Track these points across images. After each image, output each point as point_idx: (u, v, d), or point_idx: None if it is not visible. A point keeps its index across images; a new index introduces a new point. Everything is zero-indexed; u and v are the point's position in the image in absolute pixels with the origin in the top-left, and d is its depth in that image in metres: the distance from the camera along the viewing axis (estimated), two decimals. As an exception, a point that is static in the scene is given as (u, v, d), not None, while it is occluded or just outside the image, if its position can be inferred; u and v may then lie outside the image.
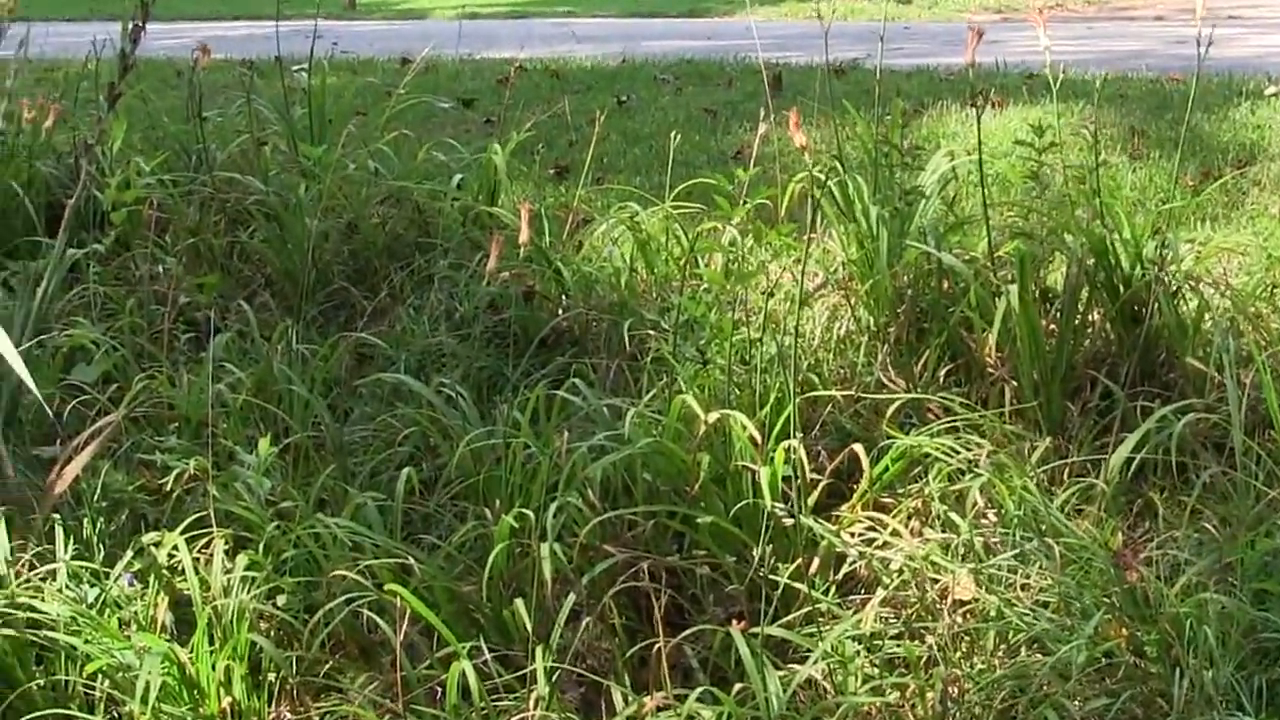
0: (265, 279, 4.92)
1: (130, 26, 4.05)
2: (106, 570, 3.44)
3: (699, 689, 2.88)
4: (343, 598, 3.21)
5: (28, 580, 3.38)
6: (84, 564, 3.44)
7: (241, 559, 3.34)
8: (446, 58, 8.45)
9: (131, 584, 3.39)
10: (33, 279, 4.22)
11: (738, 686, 2.92)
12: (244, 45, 7.98)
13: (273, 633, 3.32)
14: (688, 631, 3.14)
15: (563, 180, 5.71)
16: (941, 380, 4.08)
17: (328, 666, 3.30)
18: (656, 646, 2.94)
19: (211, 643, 3.18)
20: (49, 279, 4.03)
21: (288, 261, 4.82)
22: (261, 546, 3.36)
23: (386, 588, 3.12)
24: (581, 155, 5.95)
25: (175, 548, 3.40)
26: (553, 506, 3.29)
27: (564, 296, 4.52)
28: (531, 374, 4.27)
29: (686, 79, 7.72)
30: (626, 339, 4.16)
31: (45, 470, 3.94)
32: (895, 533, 3.39)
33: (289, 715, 3.28)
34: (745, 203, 4.09)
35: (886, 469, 3.56)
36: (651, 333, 4.18)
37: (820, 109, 6.53)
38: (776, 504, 3.34)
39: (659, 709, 2.87)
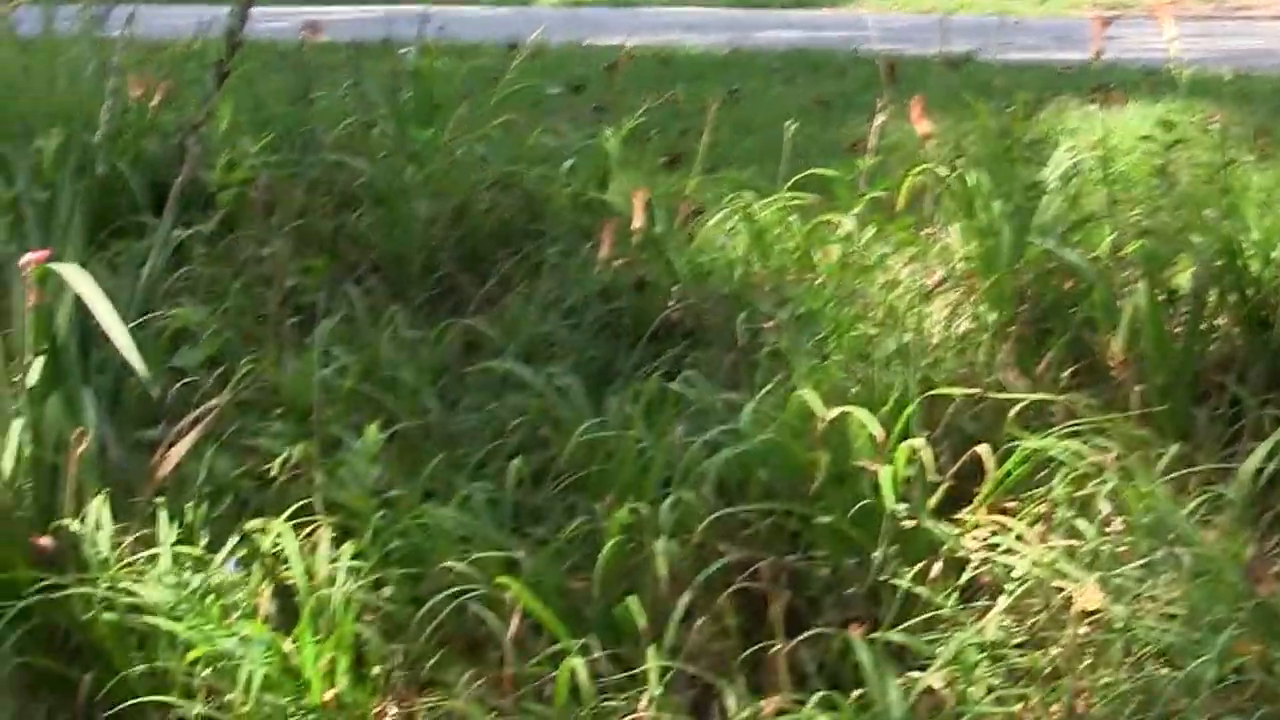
0: (372, 263, 4.85)
1: (238, 6, 4.01)
2: (209, 556, 3.39)
3: (816, 694, 2.79)
4: (450, 590, 3.13)
5: (130, 564, 3.35)
6: (187, 549, 3.39)
7: (347, 548, 3.29)
8: (553, 44, 8.37)
9: (235, 570, 3.34)
10: (139, 259, 4.18)
11: (855, 693, 2.83)
12: (351, 28, 7.92)
13: (378, 624, 3.26)
14: (806, 634, 3.05)
15: (674, 169, 5.62)
16: (1063, 382, 3.97)
17: (432, 661, 3.24)
18: (775, 649, 2.85)
19: (315, 633, 3.13)
20: (154, 259, 3.99)
21: (395, 246, 4.76)
22: (369, 536, 3.30)
23: (498, 581, 3.04)
24: (693, 144, 5.88)
25: (279, 535, 3.36)
26: (667, 502, 3.21)
27: (675, 287, 4.43)
28: (642, 365, 4.18)
29: (798, 69, 7.62)
30: (740, 332, 4.07)
31: (148, 453, 3.92)
32: (1020, 538, 3.28)
33: (393, 709, 3.23)
34: (864, 195, 4.00)
35: (1009, 473, 3.46)
36: (766, 326, 4.09)
37: (937, 102, 6.44)
38: (898, 506, 3.25)
39: (777, 714, 2.79)
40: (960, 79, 7.29)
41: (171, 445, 3.62)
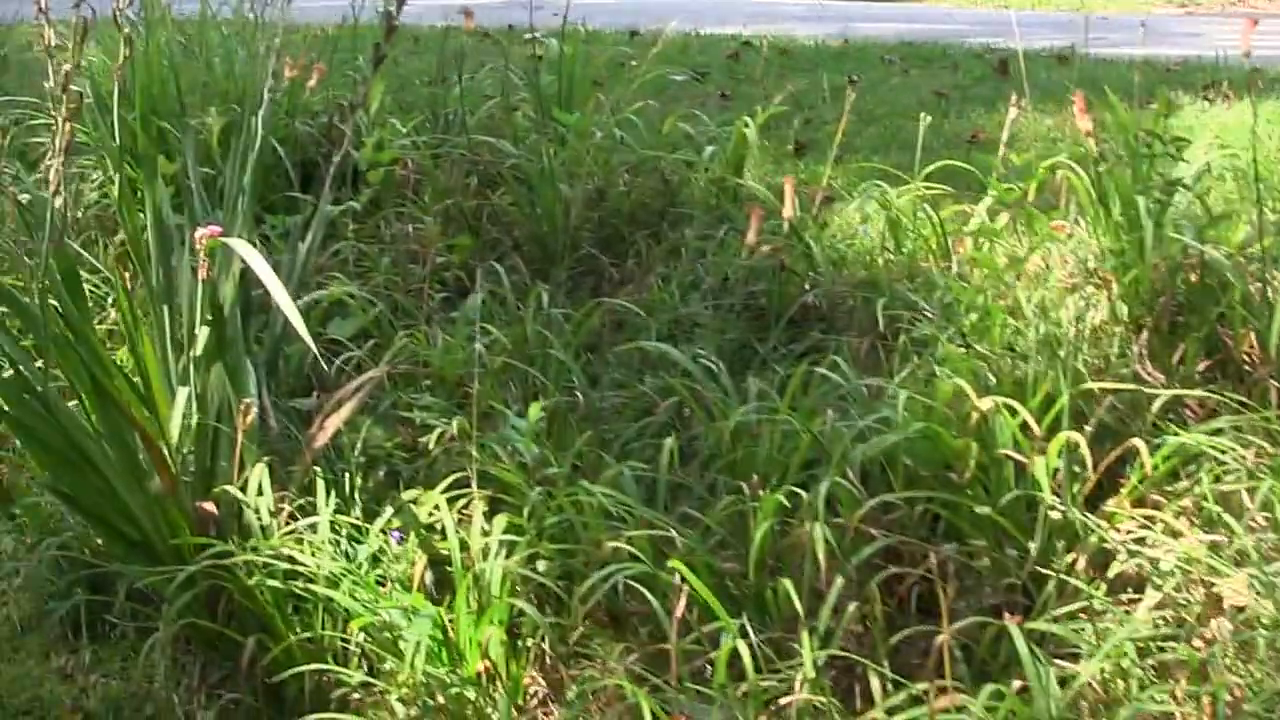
0: (514, 242, 4.76)
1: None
2: (365, 525, 3.30)
3: (989, 686, 2.65)
4: (611, 568, 3.02)
5: (289, 531, 3.26)
6: (344, 518, 3.30)
7: (500, 521, 3.19)
8: (671, 32, 8.24)
9: (400, 541, 3.24)
10: (295, 234, 4.08)
11: (1016, 684, 2.69)
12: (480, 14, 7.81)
13: (531, 598, 3.16)
14: (962, 623, 2.91)
15: (801, 156, 5.49)
16: (1198, 377, 3.81)
17: (580, 634, 3.13)
18: (940, 638, 2.72)
19: (470, 605, 3.03)
20: (312, 236, 3.90)
21: (537, 226, 4.66)
22: (526, 512, 3.19)
23: (671, 564, 2.92)
24: (818, 133, 5.75)
25: (435, 507, 3.27)
26: (823, 487, 3.08)
27: (812, 272, 4.30)
28: (779, 349, 4.06)
29: (911, 61, 7.46)
30: (881, 318, 3.93)
31: (303, 422, 3.84)
32: (1171, 532, 3.14)
33: (544, 681, 3.13)
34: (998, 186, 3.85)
35: (1156, 466, 3.31)
36: (905, 313, 3.95)
37: (1052, 96, 6.29)
38: (1049, 497, 3.12)
39: (938, 699, 2.65)
40: (1070, 74, 7.10)
41: (328, 416, 3.52)
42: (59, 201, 3.16)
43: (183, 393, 3.40)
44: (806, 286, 4.26)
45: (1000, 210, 4.41)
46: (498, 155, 5.02)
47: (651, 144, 5.05)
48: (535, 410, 3.37)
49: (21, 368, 3.37)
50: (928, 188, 4.49)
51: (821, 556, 2.95)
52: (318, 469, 3.43)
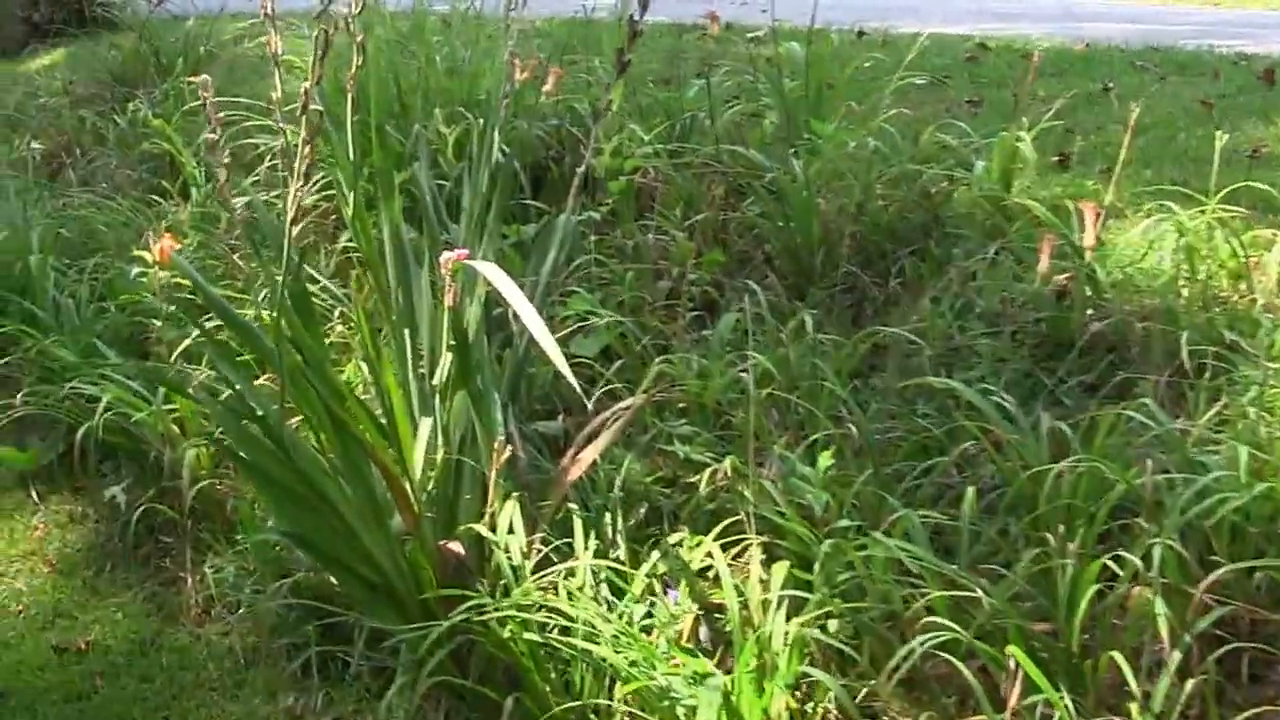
0: (765, 256, 4.46)
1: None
2: (629, 570, 3.04)
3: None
4: (922, 639, 2.71)
5: (541, 570, 3.01)
6: (603, 562, 3.04)
7: (778, 571, 2.91)
8: (897, 31, 7.88)
9: (676, 601, 2.97)
10: (536, 247, 3.83)
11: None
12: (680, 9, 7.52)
13: (817, 658, 2.87)
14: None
15: (1067, 168, 5.12)
16: None
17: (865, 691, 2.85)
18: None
19: (751, 666, 2.75)
20: (558, 250, 3.64)
21: (790, 240, 4.36)
22: (816, 567, 2.90)
23: (1010, 650, 2.61)
24: (1081, 143, 5.40)
25: (708, 553, 3.01)
26: (1156, 551, 2.76)
27: (1097, 298, 3.95)
28: (1065, 381, 3.73)
29: (1167, 68, 7.04)
30: (1185, 352, 3.58)
31: (548, 448, 3.60)
32: None
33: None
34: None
35: None
36: (1209, 347, 3.59)
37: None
38: None
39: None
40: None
41: (583, 447, 3.27)
42: (296, 230, 2.92)
43: (425, 424, 3.17)
44: (1089, 313, 3.92)
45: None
46: (746, 165, 4.73)
47: (908, 154, 4.73)
48: (826, 459, 3.09)
49: (254, 404, 3.16)
50: (1223, 208, 4.11)
51: (1164, 631, 2.63)
52: (572, 505, 3.19)
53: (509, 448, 3.00)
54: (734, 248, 4.50)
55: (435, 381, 3.11)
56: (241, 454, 3.16)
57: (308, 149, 2.76)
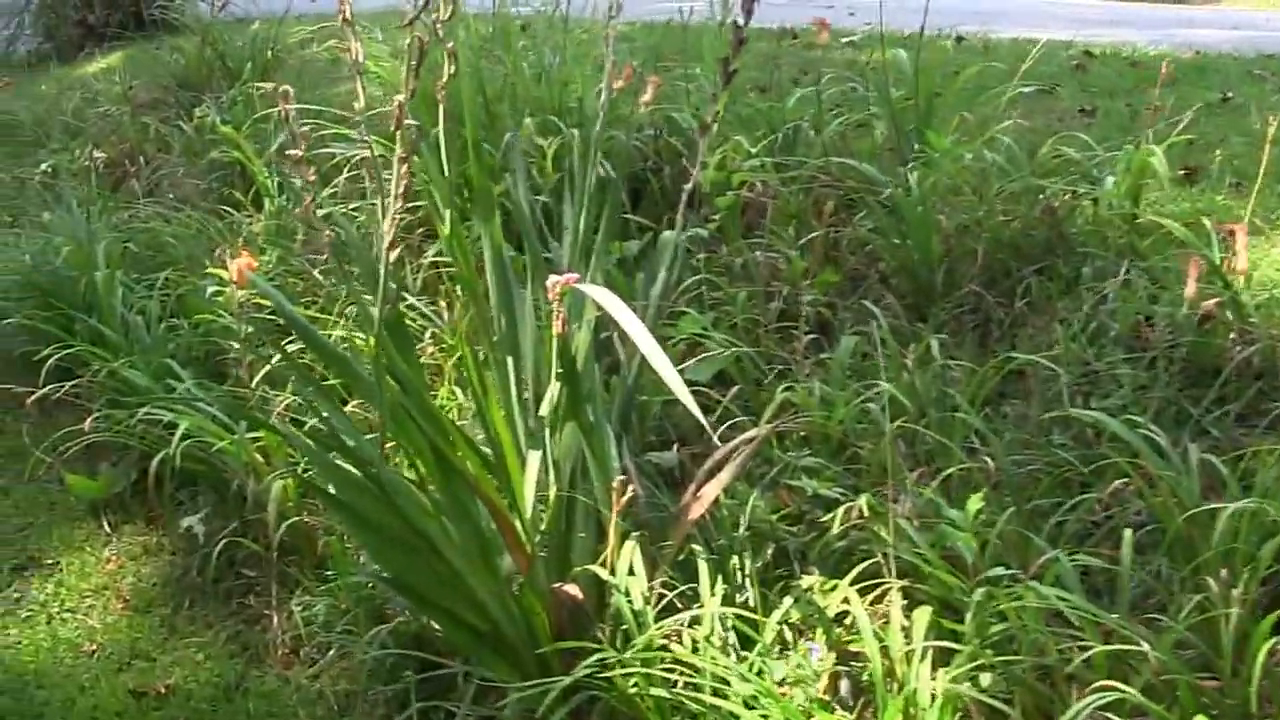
0: (880, 275, 4.29)
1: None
2: (759, 618, 2.88)
3: None
4: (1088, 700, 2.54)
5: (669, 622, 2.86)
6: (730, 610, 2.89)
7: (920, 618, 2.75)
8: (997, 37, 7.69)
9: (819, 658, 2.81)
10: (645, 267, 3.67)
11: None
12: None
13: (971, 717, 2.70)
14: None
15: (1194, 182, 4.93)
16: None
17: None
18: None
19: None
20: (668, 270, 3.48)
21: (907, 258, 4.19)
22: (969, 617, 2.73)
23: None
24: (1205, 156, 5.20)
25: (845, 600, 2.84)
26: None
27: (1240, 322, 3.76)
28: (1211, 410, 3.56)
29: (1285, 77, 6.84)
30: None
31: (663, 480, 3.45)
32: None
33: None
34: None
35: None
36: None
37: None
38: None
39: None
40: None
41: (704, 482, 3.11)
42: (394, 255, 2.77)
43: (534, 458, 3.02)
44: (1232, 337, 3.74)
45: None
46: (857, 178, 4.56)
47: (1027, 167, 4.54)
48: (975, 503, 2.91)
49: (349, 438, 3.02)
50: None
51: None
52: (695, 546, 3.03)
53: (630, 486, 2.84)
54: (845, 265, 4.34)
55: (543, 412, 2.97)
56: (334, 493, 3.00)
57: (404, 167, 2.61)
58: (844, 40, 6.50)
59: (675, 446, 3.57)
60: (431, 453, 2.92)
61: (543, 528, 3.01)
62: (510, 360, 3.16)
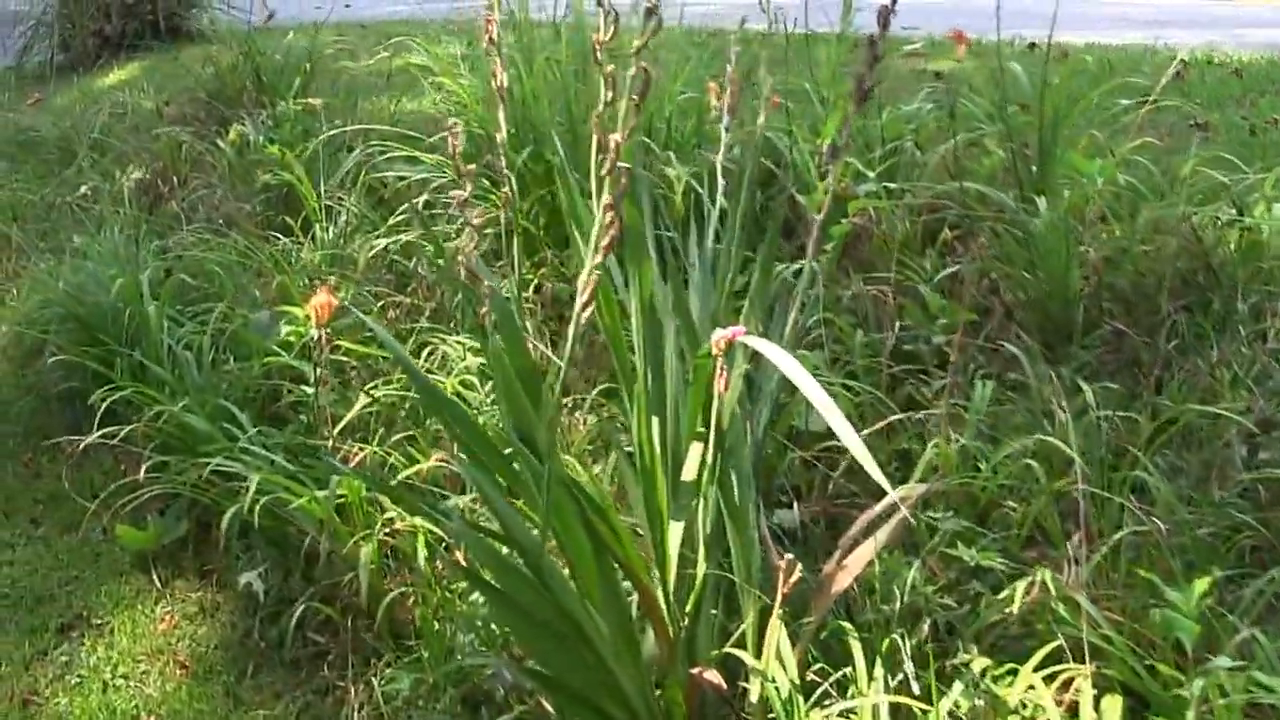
0: (1005, 308, 4.00)
1: (880, 8, 3.13)
2: (923, 706, 2.63)
3: None
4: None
5: (821, 711, 2.62)
6: (898, 699, 2.64)
7: (1111, 707, 2.51)
8: (1080, 43, 7.39)
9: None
10: (753, 300, 3.41)
11: None
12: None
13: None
14: None
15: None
16: None
17: None
18: None
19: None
20: (797, 313, 3.24)
21: (1038, 290, 3.91)
22: (1191, 715, 2.48)
23: None
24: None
25: (1030, 687, 2.60)
26: None
27: None
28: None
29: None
30: None
31: (791, 540, 3.20)
32: None
33: None
34: None
35: None
36: None
37: None
38: None
39: None
40: None
41: (850, 551, 2.86)
42: (587, 315, 2.52)
43: (676, 530, 2.77)
44: None
45: None
46: (973, 203, 4.30)
47: (1166, 191, 4.26)
48: (1201, 586, 2.65)
49: (510, 524, 2.76)
50: None
51: None
52: (844, 625, 2.79)
53: (796, 565, 2.59)
54: (961, 296, 4.06)
55: (687, 476, 2.73)
56: (490, 582, 2.75)
57: (609, 215, 2.35)
58: (906, 50, 6.23)
59: (795, 504, 3.32)
60: (587, 534, 2.68)
61: (687, 608, 2.75)
62: (655, 421, 2.89)
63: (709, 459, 2.71)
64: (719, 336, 2.46)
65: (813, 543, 3.37)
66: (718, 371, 2.52)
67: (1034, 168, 4.35)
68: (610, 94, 2.79)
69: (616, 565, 2.70)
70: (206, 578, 4.13)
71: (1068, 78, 4.60)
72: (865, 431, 3.41)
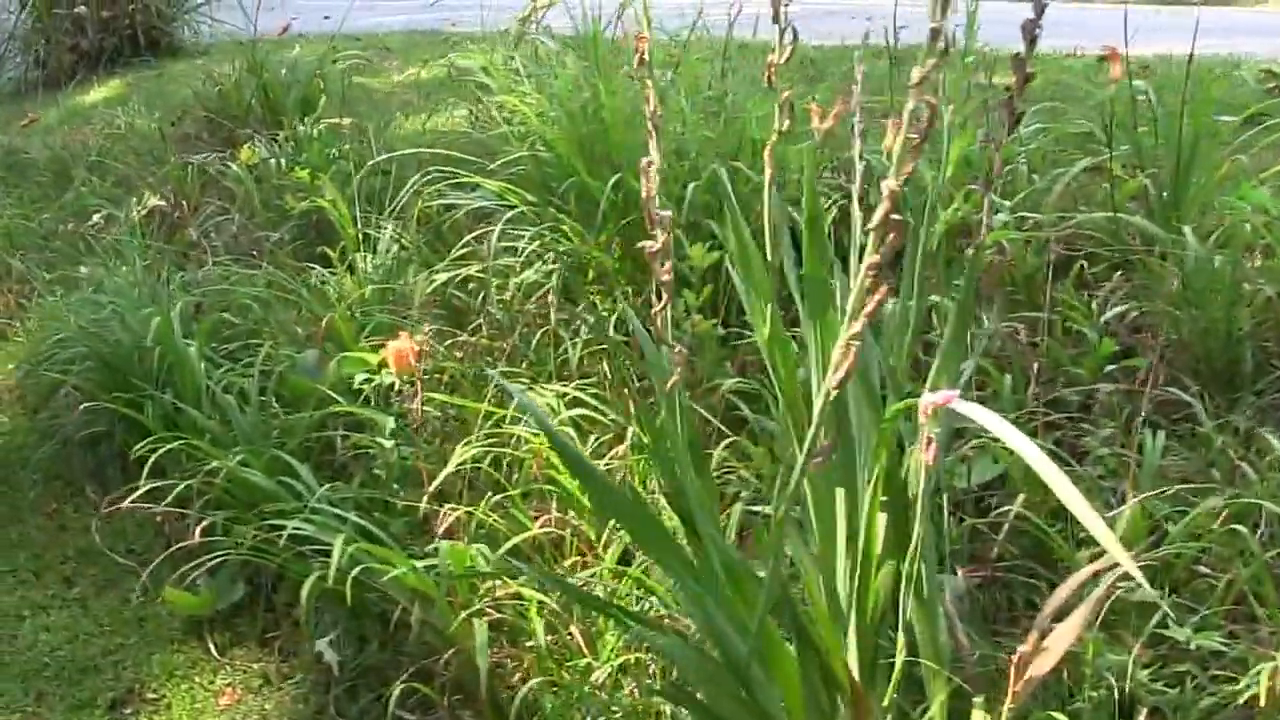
0: (1160, 351, 3.78)
1: (1025, 21, 2.91)
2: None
3: None
4: None
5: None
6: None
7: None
8: (1149, 55, 7.18)
9: None
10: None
11: None
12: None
13: None
14: None
15: None
16: None
17: None
18: None
19: None
20: (974, 362, 3.01)
21: (1194, 328, 3.67)
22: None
23: None
24: None
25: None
26: None
27: None
28: None
29: None
30: None
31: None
32: None
33: None
34: None
35: None
36: None
37: None
38: None
39: None
40: None
41: (1048, 632, 2.63)
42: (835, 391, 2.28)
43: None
44: None
45: None
46: (1105, 234, 4.08)
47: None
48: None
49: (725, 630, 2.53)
50: None
51: None
52: (1056, 716, 2.57)
53: (1028, 664, 2.36)
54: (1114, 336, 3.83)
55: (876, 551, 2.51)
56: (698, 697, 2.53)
57: (874, 279, 2.10)
58: (966, 60, 6.00)
59: (957, 571, 3.10)
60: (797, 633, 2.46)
61: (884, 703, 2.52)
62: (841, 494, 2.65)
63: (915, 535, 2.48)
64: (928, 402, 2.22)
65: (980, 610, 3.15)
66: (925, 443, 2.28)
67: (1165, 193, 4.13)
68: (787, 122, 2.59)
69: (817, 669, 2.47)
70: (268, 645, 3.90)
71: (1204, 101, 4.36)
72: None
